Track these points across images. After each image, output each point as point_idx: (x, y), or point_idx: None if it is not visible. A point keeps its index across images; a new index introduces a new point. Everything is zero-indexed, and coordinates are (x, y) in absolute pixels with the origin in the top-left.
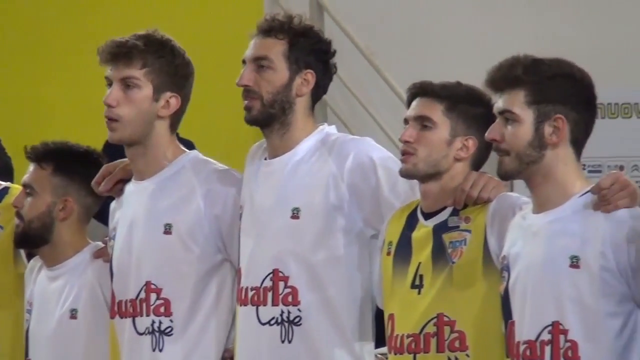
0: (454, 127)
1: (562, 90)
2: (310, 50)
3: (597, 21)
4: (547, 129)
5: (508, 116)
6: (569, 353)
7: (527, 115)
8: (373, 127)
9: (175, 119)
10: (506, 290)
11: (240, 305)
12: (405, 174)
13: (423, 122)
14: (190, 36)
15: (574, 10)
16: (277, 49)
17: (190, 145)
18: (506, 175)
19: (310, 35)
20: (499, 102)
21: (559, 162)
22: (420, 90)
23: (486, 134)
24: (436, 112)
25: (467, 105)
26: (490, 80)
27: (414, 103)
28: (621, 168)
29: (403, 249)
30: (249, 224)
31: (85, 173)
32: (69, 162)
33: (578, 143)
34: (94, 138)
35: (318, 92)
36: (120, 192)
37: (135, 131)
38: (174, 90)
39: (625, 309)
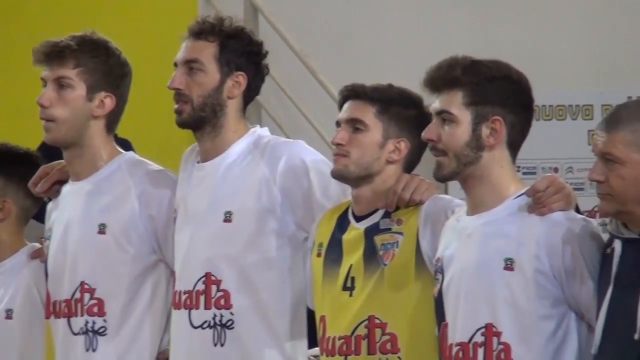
0: (386, 130)
1: (500, 92)
2: (242, 52)
3: (531, 23)
4: (485, 131)
5: (446, 117)
6: (502, 355)
7: (464, 116)
8: (307, 128)
9: (111, 120)
10: (440, 293)
11: (174, 309)
12: (337, 176)
13: (355, 124)
14: (124, 37)
15: (508, 13)
16: (207, 51)
17: (127, 144)
18: (443, 177)
19: (241, 37)
20: (436, 103)
21: (495, 164)
22: (352, 93)
23: (423, 134)
24: (368, 114)
25: (399, 108)
26: (429, 80)
27: (345, 106)
28: (555, 170)
29: (334, 251)
30: (183, 228)
31: (24, 174)
32: (8, 164)
33: (514, 145)
34: (30, 139)
35: (250, 94)
36: (57, 193)
37: (70, 131)
38: (109, 90)
39: (559, 311)
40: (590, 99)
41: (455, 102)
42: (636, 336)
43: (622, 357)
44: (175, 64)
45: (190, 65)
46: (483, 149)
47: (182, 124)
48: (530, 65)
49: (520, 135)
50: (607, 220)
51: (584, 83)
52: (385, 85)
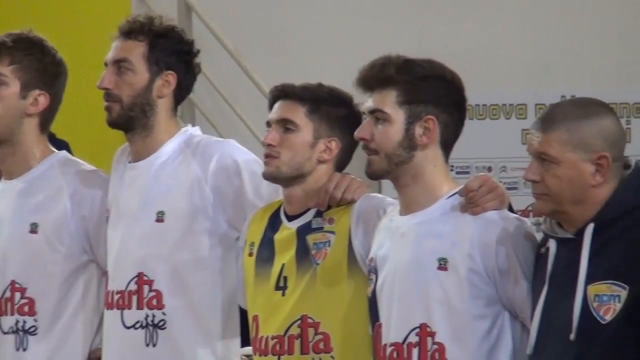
0: (317, 129)
1: (434, 92)
2: (171, 51)
3: (465, 23)
4: (418, 130)
5: (379, 115)
6: (436, 355)
7: (398, 115)
8: (241, 128)
9: (44, 118)
10: (373, 293)
11: (107, 309)
12: (269, 177)
13: (286, 124)
14: (59, 36)
15: (442, 12)
16: (137, 51)
17: (65, 146)
18: (374, 175)
19: (171, 36)
20: (369, 101)
21: (428, 164)
22: (282, 93)
23: (355, 133)
24: (299, 114)
25: (329, 107)
26: (362, 79)
27: (276, 106)
28: (489, 169)
29: (265, 250)
30: (115, 228)
31: None
32: None
33: (447, 145)
34: None
35: (181, 93)
36: None
37: (2, 128)
38: (43, 88)
39: (493, 311)
40: (523, 98)
41: (389, 101)
42: (572, 337)
43: (558, 358)
44: (106, 64)
45: (120, 64)
46: (416, 148)
47: (112, 124)
48: (463, 64)
49: (453, 134)
50: (541, 219)
51: (517, 82)
52: (315, 84)
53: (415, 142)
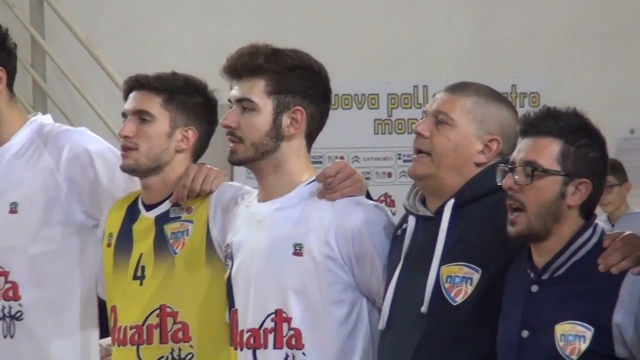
0: (173, 119)
1: (302, 82)
2: None
3: (317, 12)
4: (286, 120)
5: (246, 105)
6: (293, 341)
7: (266, 105)
8: (93, 117)
9: None
10: (229, 279)
11: None
12: (128, 170)
13: (141, 115)
14: None
15: (290, 2)
16: None
17: None
18: (238, 163)
19: None
20: (236, 90)
21: (292, 154)
22: (137, 84)
23: (221, 121)
24: (154, 105)
25: (185, 96)
26: (230, 67)
27: (131, 96)
28: (342, 159)
29: (124, 241)
30: None
31: None
32: None
33: (312, 136)
34: None
35: (10, 82)
36: None
37: None
38: None
39: (350, 297)
40: (376, 88)
41: (257, 91)
42: (423, 309)
43: (409, 332)
44: None
45: None
46: (282, 138)
47: None
48: (316, 54)
49: (318, 125)
50: (395, 209)
51: (369, 72)
52: (169, 74)
53: (282, 133)
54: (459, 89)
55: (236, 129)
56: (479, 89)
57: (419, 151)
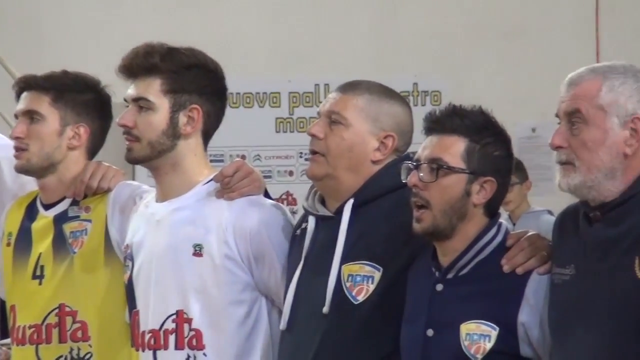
0: (63, 117)
1: (198, 81)
2: None
3: (218, 9)
4: (182, 119)
5: (143, 104)
6: (194, 342)
7: (162, 104)
8: None
9: None
10: (130, 280)
11: None
12: (21, 170)
13: (31, 115)
14: None
15: (195, 1)
16: None
17: None
18: (135, 161)
19: None
20: (132, 89)
21: (190, 152)
22: (26, 84)
23: (117, 120)
24: (43, 104)
25: (74, 93)
26: (125, 66)
27: (21, 98)
28: (243, 157)
29: (23, 240)
30: None
31: None
32: None
33: (208, 134)
34: None
35: None
36: None
37: None
38: None
39: (250, 297)
40: (277, 86)
41: (153, 90)
42: (325, 309)
43: (310, 332)
44: None
45: None
46: (179, 137)
47: None
48: (217, 52)
49: (215, 124)
50: (295, 207)
51: (271, 71)
52: (59, 72)
53: (179, 131)
54: (350, 87)
55: (133, 128)
56: (371, 87)
57: (314, 152)
